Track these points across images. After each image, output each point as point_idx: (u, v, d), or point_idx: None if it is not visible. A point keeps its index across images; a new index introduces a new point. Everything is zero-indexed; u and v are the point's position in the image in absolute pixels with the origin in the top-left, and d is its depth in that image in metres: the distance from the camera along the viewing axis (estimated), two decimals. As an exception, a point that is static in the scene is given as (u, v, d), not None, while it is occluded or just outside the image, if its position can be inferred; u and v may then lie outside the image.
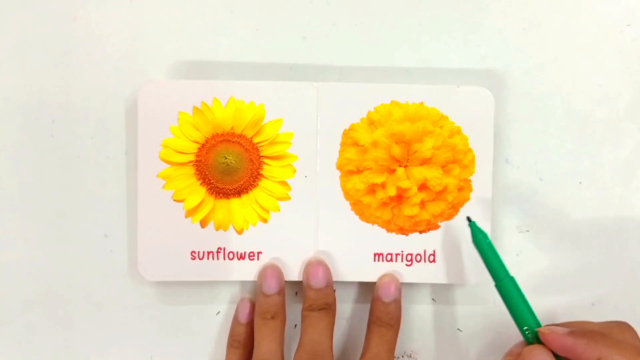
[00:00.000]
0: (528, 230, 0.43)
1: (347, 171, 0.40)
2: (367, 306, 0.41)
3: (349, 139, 0.40)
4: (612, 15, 0.43)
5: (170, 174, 0.40)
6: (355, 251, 0.40)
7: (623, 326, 0.36)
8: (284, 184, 0.40)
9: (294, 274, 0.40)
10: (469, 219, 0.39)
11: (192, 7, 0.42)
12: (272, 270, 0.39)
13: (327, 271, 0.39)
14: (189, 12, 0.42)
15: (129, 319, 0.42)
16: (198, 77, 0.41)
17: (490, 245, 0.37)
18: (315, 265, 0.39)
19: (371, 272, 0.40)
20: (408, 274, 0.40)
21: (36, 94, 0.41)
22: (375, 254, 0.40)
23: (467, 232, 0.38)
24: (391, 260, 0.40)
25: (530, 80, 0.43)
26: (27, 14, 0.41)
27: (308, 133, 0.40)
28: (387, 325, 0.39)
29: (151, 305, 0.42)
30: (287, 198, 0.40)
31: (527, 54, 0.43)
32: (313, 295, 0.39)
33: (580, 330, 0.34)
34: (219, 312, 0.42)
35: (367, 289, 0.42)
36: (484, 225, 0.40)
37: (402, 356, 0.43)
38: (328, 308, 0.39)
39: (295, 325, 0.42)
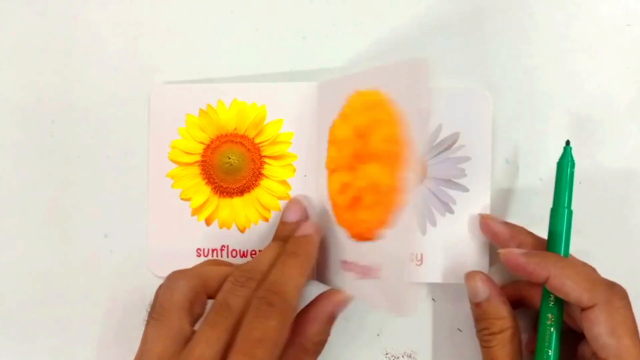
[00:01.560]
0: (528, 230, 0.43)
1: (330, 170, 0.39)
2: (368, 306, 0.41)
3: (331, 136, 0.39)
4: (612, 15, 0.43)
5: (178, 174, 0.41)
6: (329, 256, 0.39)
7: (615, 287, 0.35)
8: (284, 183, 0.40)
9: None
10: (568, 142, 0.38)
11: (192, 7, 0.42)
12: (295, 203, 0.39)
13: (301, 208, 0.39)
14: (189, 12, 0.42)
15: (129, 319, 0.42)
16: (198, 77, 0.42)
17: (572, 176, 0.37)
18: (290, 202, 0.40)
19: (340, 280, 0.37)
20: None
21: (36, 94, 0.41)
22: (342, 262, 0.37)
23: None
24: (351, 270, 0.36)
25: (530, 80, 0.43)
26: (27, 14, 0.41)
27: (308, 133, 0.40)
28: (292, 254, 0.36)
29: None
30: (288, 197, 0.40)
31: (527, 54, 0.43)
32: (281, 228, 0.39)
33: (536, 251, 0.36)
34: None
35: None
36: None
37: (402, 356, 0.43)
38: (298, 255, 0.36)
39: (296, 325, 0.42)
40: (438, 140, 0.40)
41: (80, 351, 0.42)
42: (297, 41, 0.42)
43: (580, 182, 0.43)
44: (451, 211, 0.40)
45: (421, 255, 0.40)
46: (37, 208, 0.42)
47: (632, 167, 0.43)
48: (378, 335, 0.42)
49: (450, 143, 0.40)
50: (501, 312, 0.36)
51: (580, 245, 0.43)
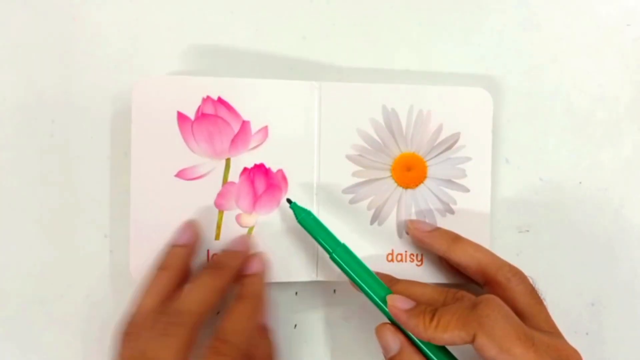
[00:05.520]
0: (528, 230, 0.43)
1: None
2: (368, 307, 0.41)
3: None
4: (612, 15, 0.43)
5: None
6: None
7: (489, 301, 0.34)
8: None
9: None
10: (289, 200, 0.39)
11: (192, 7, 0.42)
12: (189, 225, 0.39)
13: (247, 242, 0.39)
14: (189, 13, 0.42)
15: (129, 319, 0.42)
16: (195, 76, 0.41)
17: (316, 220, 0.38)
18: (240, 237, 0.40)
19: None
20: None
21: (36, 94, 0.41)
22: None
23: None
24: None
25: (530, 80, 0.43)
26: (27, 14, 0.41)
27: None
28: (240, 297, 0.37)
29: (151, 305, 0.42)
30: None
31: (527, 54, 0.43)
32: (216, 255, 0.39)
33: (418, 307, 0.34)
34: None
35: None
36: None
37: (403, 356, 0.43)
38: (220, 268, 0.37)
39: (295, 326, 0.42)
40: (439, 140, 0.40)
41: (80, 351, 0.42)
42: (297, 41, 0.42)
43: (580, 182, 0.43)
44: (452, 211, 0.40)
45: (421, 255, 0.40)
46: (37, 208, 0.41)
47: (632, 167, 0.43)
48: (378, 335, 0.42)
49: (451, 143, 0.40)
50: None
51: (580, 245, 0.43)
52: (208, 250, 0.40)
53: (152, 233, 0.39)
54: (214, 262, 0.38)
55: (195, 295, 0.35)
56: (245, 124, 0.40)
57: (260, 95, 0.40)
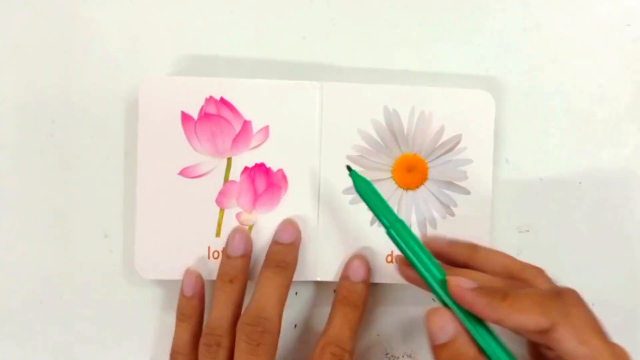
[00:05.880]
0: (528, 230, 0.43)
1: None
2: (367, 307, 0.41)
3: None
4: (612, 15, 0.43)
5: None
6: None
7: (568, 292, 0.32)
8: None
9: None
10: (349, 167, 0.37)
11: (192, 7, 0.42)
12: (240, 233, 0.39)
13: (297, 231, 0.40)
14: (189, 12, 0.42)
15: (129, 318, 0.42)
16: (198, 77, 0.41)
17: (375, 192, 0.36)
18: (287, 223, 0.40)
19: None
20: None
21: (36, 94, 0.41)
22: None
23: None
24: None
25: (530, 80, 0.43)
26: (27, 14, 0.41)
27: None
28: (352, 305, 0.38)
29: (151, 305, 0.42)
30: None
31: (527, 54, 0.43)
32: (273, 249, 0.39)
33: (486, 287, 0.32)
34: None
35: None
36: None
37: (402, 356, 0.43)
38: (284, 267, 0.38)
39: (295, 326, 0.42)
40: (440, 141, 0.40)
41: (81, 351, 0.42)
42: (297, 41, 0.42)
43: (580, 182, 0.43)
44: (452, 214, 0.40)
45: None
46: (37, 208, 0.41)
47: (632, 167, 0.43)
48: (378, 335, 0.42)
49: (452, 145, 0.40)
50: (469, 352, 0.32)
51: (580, 245, 0.43)
52: (209, 247, 0.40)
53: (156, 230, 0.40)
54: (276, 260, 0.38)
55: (272, 299, 0.37)
56: (246, 124, 0.40)
57: (262, 95, 0.40)
